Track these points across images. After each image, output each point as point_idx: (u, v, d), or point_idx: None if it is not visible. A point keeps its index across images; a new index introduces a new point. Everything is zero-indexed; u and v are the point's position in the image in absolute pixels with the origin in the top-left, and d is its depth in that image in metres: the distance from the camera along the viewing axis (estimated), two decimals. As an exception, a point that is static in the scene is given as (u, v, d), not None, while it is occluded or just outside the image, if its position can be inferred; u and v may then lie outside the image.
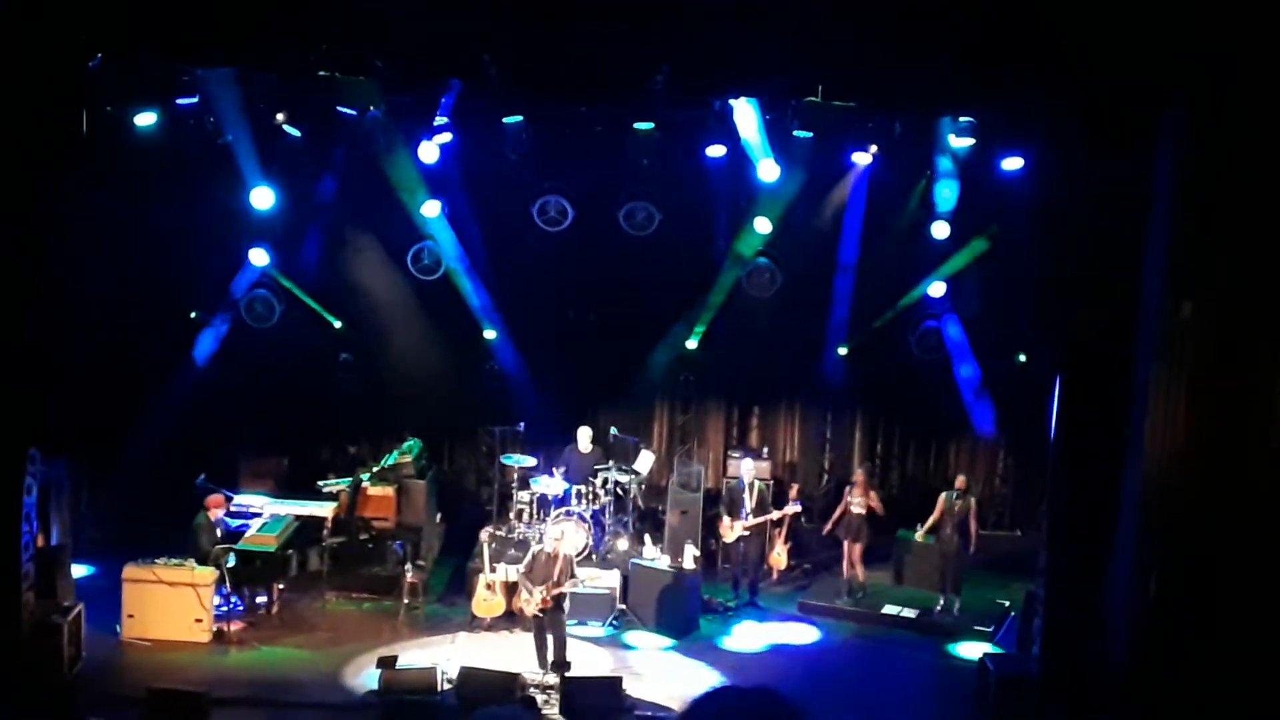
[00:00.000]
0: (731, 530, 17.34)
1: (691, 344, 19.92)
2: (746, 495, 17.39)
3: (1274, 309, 11.42)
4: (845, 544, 17.63)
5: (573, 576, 14.68)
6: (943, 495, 17.39)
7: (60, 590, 14.30)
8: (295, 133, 16.68)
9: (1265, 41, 10.98)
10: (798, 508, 17.67)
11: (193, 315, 18.94)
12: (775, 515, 17.45)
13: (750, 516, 17.26)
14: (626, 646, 15.82)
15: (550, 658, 14.39)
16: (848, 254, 18.92)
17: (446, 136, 16.77)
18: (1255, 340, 11.47)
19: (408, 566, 16.44)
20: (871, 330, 19.47)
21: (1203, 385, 11.70)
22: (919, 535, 17.93)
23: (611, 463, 18.37)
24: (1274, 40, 10.99)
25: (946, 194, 17.56)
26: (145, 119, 15.73)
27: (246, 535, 15.80)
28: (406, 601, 16.23)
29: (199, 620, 14.97)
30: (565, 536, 15.36)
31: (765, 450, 19.96)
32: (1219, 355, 11.60)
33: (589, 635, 15.85)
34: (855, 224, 18.60)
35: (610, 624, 16.31)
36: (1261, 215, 11.26)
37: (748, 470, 17.87)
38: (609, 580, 16.65)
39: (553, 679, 14.10)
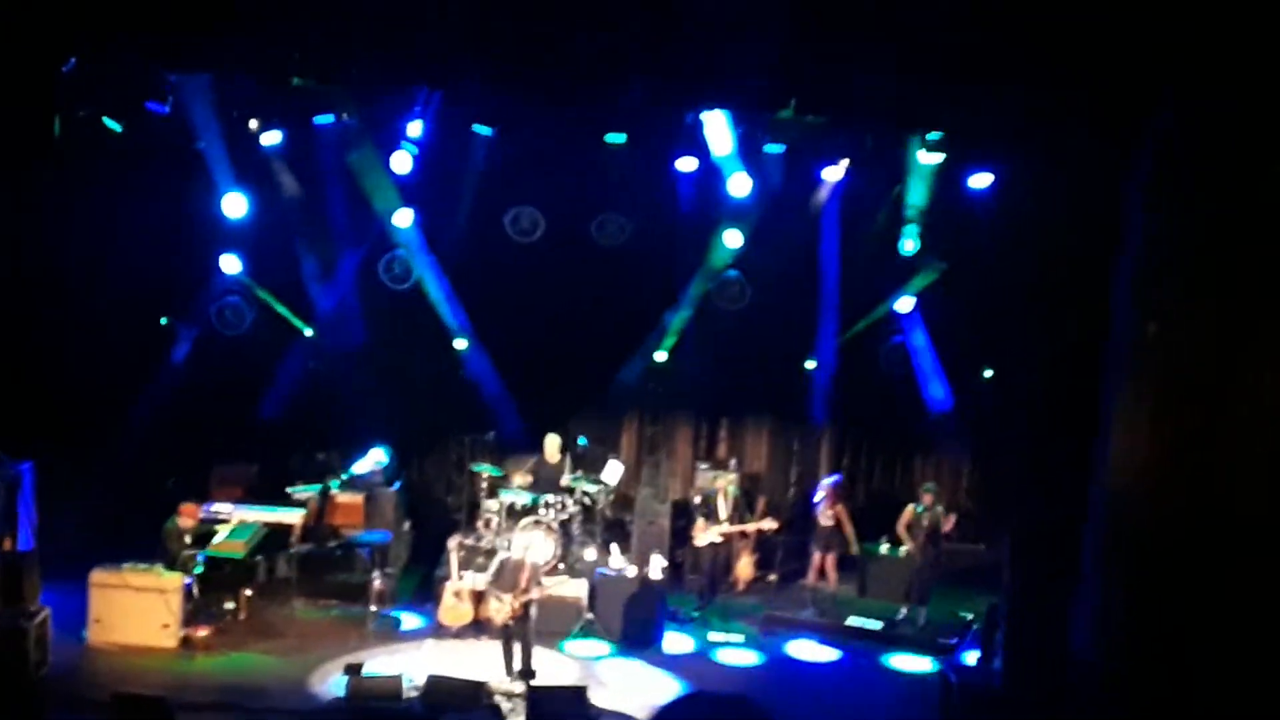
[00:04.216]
0: (705, 533, 17.39)
1: (661, 355, 19.99)
2: (721, 502, 17.46)
3: (1238, 329, 11.50)
4: (816, 555, 17.71)
5: (539, 585, 14.71)
6: (909, 507, 17.52)
7: (27, 594, 14.25)
8: (271, 140, 16.68)
9: (1244, 66, 11.06)
10: (774, 524, 17.74)
11: (163, 321, 18.91)
12: (751, 528, 17.54)
13: (728, 524, 17.34)
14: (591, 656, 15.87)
15: (516, 666, 14.43)
16: (818, 268, 19.01)
17: (417, 148, 16.80)
18: (1220, 360, 11.54)
19: (375, 573, 16.45)
20: (840, 344, 19.57)
21: (1168, 404, 11.78)
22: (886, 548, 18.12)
23: (580, 472, 18.41)
24: (1252, 65, 11.08)
25: (916, 209, 17.67)
26: (118, 124, 15.72)
27: (215, 542, 15.79)
28: (374, 609, 16.23)
29: (166, 625, 14.93)
30: (532, 545, 15.41)
31: (733, 462, 20.04)
32: (1184, 374, 11.68)
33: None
34: (826, 238, 18.70)
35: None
36: (1229, 238, 11.34)
37: (714, 481, 17.95)
38: (576, 589, 16.68)
39: (519, 687, 14.13)
